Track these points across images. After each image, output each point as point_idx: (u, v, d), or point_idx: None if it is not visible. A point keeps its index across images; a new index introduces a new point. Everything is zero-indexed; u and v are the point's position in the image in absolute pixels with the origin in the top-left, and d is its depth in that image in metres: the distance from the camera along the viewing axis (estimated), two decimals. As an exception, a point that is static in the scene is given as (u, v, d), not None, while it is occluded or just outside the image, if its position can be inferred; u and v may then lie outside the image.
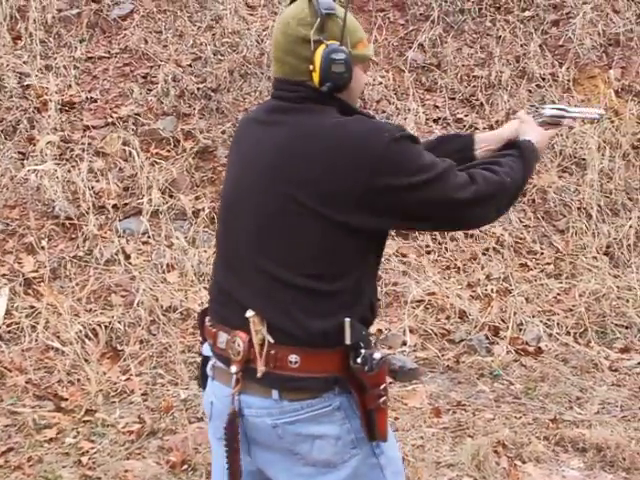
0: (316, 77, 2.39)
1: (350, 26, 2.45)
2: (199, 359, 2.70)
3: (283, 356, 2.36)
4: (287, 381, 2.37)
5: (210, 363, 2.59)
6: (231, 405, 2.42)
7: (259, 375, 2.37)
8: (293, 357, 2.35)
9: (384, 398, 2.41)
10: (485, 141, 2.87)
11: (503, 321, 6.26)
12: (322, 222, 2.32)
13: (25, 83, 7.15)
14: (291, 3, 2.51)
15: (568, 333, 6.29)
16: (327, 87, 2.39)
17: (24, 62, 7.27)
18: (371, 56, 2.57)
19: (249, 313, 2.37)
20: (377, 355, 2.37)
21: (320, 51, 2.38)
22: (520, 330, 6.23)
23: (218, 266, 2.61)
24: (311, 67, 2.40)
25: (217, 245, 2.67)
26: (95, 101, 7.19)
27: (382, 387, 2.40)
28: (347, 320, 2.35)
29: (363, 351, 2.35)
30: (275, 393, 2.39)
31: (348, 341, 2.35)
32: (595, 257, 7.01)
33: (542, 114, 2.96)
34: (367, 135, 2.33)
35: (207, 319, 2.59)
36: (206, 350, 2.62)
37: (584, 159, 7.69)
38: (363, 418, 2.40)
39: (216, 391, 2.54)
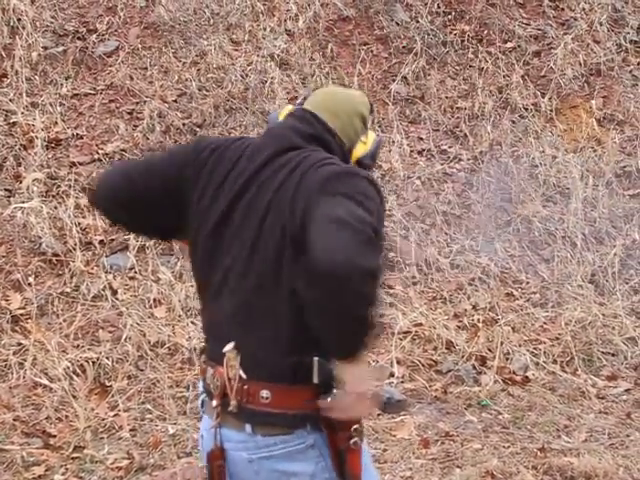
0: (362, 149, 2.73)
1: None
2: (187, 394, 2.75)
3: (255, 391, 2.40)
4: (258, 416, 2.41)
5: (201, 398, 2.64)
6: (213, 439, 2.46)
7: (230, 409, 2.42)
8: (264, 392, 2.40)
9: (355, 439, 2.44)
10: None
11: (490, 351, 6.27)
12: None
13: (11, 120, 7.17)
14: None
15: (555, 362, 6.31)
16: (367, 162, 2.72)
17: (10, 100, 7.29)
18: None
19: (226, 348, 2.41)
20: None
21: (374, 135, 2.79)
22: (507, 359, 6.24)
23: (204, 299, 2.65)
24: (363, 139, 2.73)
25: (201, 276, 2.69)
26: (81, 137, 7.21)
27: (353, 428, 2.43)
28: (315, 359, 2.36)
29: (335, 391, 2.37)
30: (248, 427, 2.43)
31: (315, 380, 2.37)
32: (580, 285, 7.04)
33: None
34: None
35: (202, 357, 2.65)
36: (200, 387, 2.67)
37: (568, 188, 7.75)
38: (334, 458, 2.43)
39: (205, 424, 2.59)
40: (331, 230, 2.18)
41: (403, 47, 8.60)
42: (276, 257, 2.37)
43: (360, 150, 2.70)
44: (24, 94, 7.35)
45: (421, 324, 6.41)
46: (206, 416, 2.59)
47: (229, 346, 2.40)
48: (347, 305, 2.18)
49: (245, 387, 2.40)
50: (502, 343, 6.30)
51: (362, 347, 2.29)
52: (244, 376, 2.40)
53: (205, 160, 2.60)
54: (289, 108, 2.74)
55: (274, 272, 2.38)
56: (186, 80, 7.74)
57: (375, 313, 2.23)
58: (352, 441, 2.43)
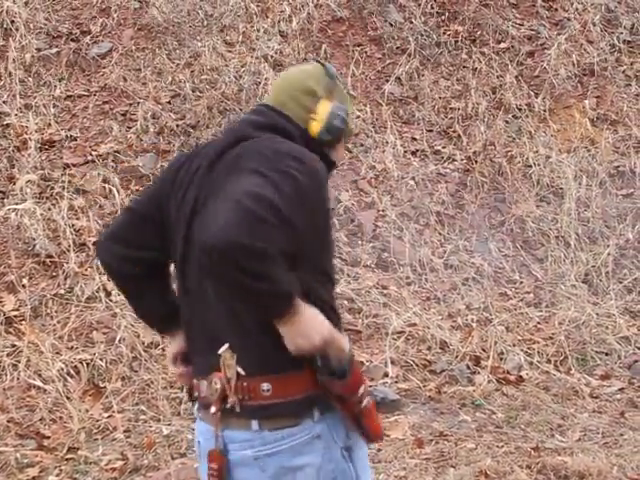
0: (316, 126, 2.59)
1: (344, 98, 2.70)
2: (181, 395, 2.74)
3: (255, 386, 2.40)
4: (263, 409, 2.40)
5: (196, 405, 2.63)
6: (215, 443, 2.45)
7: (229, 406, 2.41)
8: (265, 385, 2.40)
9: (367, 399, 2.46)
10: None
11: (484, 350, 6.28)
12: None
13: (5, 122, 7.17)
14: None
15: (549, 361, 6.33)
16: (325, 138, 2.59)
17: (3, 101, 7.29)
18: (354, 133, 2.79)
19: (221, 349, 2.41)
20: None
21: (326, 105, 2.61)
22: (501, 359, 6.26)
23: (183, 320, 2.64)
24: (312, 116, 2.59)
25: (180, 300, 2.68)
26: (75, 139, 7.21)
27: (360, 391, 2.44)
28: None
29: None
30: (255, 424, 2.42)
31: (319, 363, 2.38)
32: (574, 285, 7.06)
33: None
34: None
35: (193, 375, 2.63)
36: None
37: (561, 188, 7.77)
38: (354, 425, 2.46)
39: (202, 430, 2.57)
40: (221, 209, 2.25)
41: (397, 48, 8.61)
42: None
43: (314, 128, 2.59)
44: (17, 96, 7.35)
45: (415, 324, 6.42)
46: (203, 422, 2.57)
47: (224, 347, 2.40)
48: (236, 278, 2.22)
49: (245, 384, 2.40)
50: (496, 343, 6.32)
51: (276, 307, 2.30)
52: (243, 373, 2.40)
53: (178, 170, 2.62)
54: None
55: None
56: (180, 81, 7.74)
57: (273, 282, 2.23)
58: (364, 403, 2.45)
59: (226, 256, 2.18)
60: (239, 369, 2.40)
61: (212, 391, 2.46)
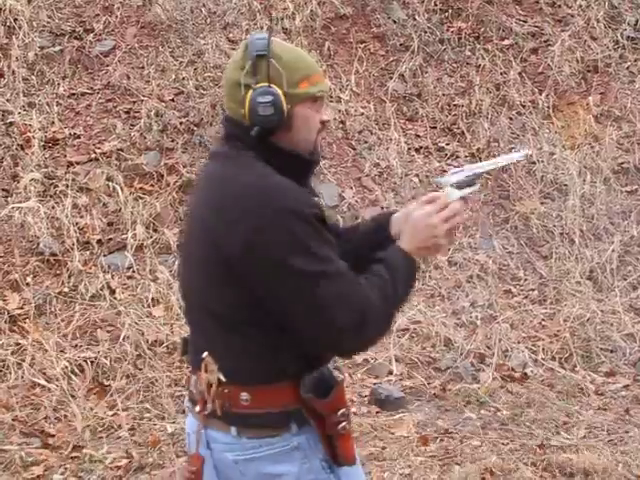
0: (246, 121, 2.40)
1: (290, 64, 2.42)
2: (185, 392, 2.75)
3: (235, 394, 2.40)
4: (242, 418, 2.41)
5: (187, 400, 2.66)
6: (196, 447, 2.47)
7: (207, 412, 2.43)
8: (244, 395, 2.40)
9: (344, 424, 2.43)
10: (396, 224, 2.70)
11: (488, 348, 6.28)
12: None
13: (8, 120, 7.16)
14: None
15: (553, 358, 6.32)
16: (255, 131, 2.39)
17: (7, 100, 7.28)
18: (317, 93, 2.46)
19: (204, 354, 2.42)
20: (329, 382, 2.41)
21: (248, 95, 2.39)
22: (505, 356, 6.25)
23: (183, 309, 2.69)
24: (243, 111, 2.41)
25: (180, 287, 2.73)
26: (78, 137, 7.21)
27: (340, 413, 2.42)
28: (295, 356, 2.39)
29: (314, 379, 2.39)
30: (234, 430, 2.43)
31: (305, 379, 2.38)
32: (579, 282, 7.04)
33: (448, 182, 2.58)
34: (249, 199, 2.31)
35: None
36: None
37: (565, 185, 7.76)
38: (325, 445, 2.43)
39: (190, 424, 2.58)
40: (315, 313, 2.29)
41: (400, 45, 8.60)
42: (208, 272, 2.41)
43: (248, 124, 2.40)
44: (21, 94, 7.34)
45: (419, 322, 6.41)
46: (191, 416, 2.59)
47: (205, 353, 2.42)
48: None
49: (225, 391, 2.41)
50: (500, 340, 6.31)
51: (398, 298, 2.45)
52: (224, 379, 2.40)
53: None
54: None
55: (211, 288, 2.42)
56: (183, 79, 7.73)
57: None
58: (340, 426, 2.42)
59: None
60: (220, 375, 2.40)
61: (197, 391, 2.48)
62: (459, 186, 2.56)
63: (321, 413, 2.39)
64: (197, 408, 2.47)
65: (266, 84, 2.38)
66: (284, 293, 2.30)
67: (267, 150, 2.41)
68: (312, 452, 2.44)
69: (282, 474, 2.43)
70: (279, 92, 2.38)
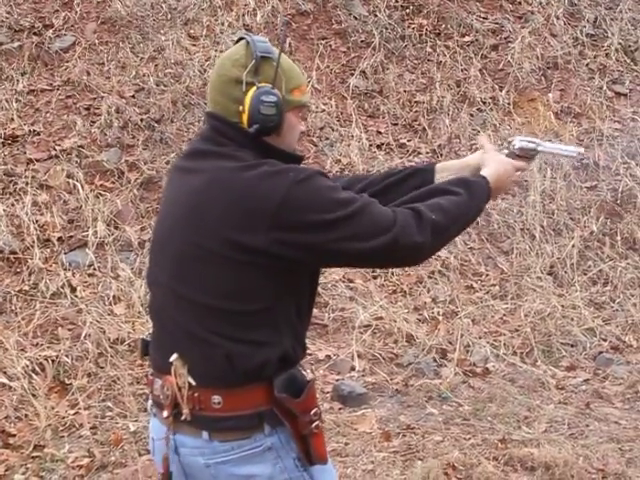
0: (245, 118, 2.41)
1: (287, 71, 2.48)
2: (147, 391, 2.71)
3: (206, 398, 2.39)
4: (214, 421, 2.40)
5: (149, 403, 2.63)
6: (165, 448, 2.45)
7: (183, 418, 2.41)
8: (216, 398, 2.39)
9: (317, 423, 2.44)
10: (446, 169, 2.85)
11: (450, 343, 6.30)
12: (231, 265, 2.35)
13: (-33, 117, 7.11)
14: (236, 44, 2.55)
15: (515, 353, 6.36)
16: (255, 129, 2.40)
17: (-35, 96, 7.23)
18: (307, 103, 2.57)
19: (172, 357, 2.41)
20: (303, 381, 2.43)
21: (250, 92, 2.41)
22: (467, 352, 6.28)
23: (150, 308, 2.66)
24: (241, 108, 2.42)
25: (148, 287, 2.70)
26: (38, 134, 7.15)
27: (313, 412, 2.43)
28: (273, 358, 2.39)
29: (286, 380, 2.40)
30: (205, 434, 2.42)
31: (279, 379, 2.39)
32: (539, 277, 7.09)
33: (512, 146, 2.89)
34: (266, 180, 2.32)
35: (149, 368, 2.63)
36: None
37: (526, 181, 7.80)
38: (299, 444, 2.42)
39: (155, 429, 2.57)
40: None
41: (361, 41, 8.61)
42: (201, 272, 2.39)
43: (245, 121, 2.42)
44: (-20, 90, 7.28)
45: (381, 317, 6.43)
46: (156, 420, 2.57)
47: (174, 356, 2.41)
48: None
49: (196, 395, 2.40)
50: (462, 335, 6.34)
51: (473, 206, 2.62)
52: (194, 383, 2.39)
53: None
54: None
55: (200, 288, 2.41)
56: (144, 75, 7.69)
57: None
58: (313, 425, 2.43)
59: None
60: (190, 379, 2.40)
61: (164, 395, 2.46)
62: (520, 154, 2.86)
63: (294, 413, 2.39)
64: (164, 413, 2.45)
65: (270, 85, 2.42)
66: (341, 245, 2.34)
67: (261, 148, 2.43)
68: (285, 452, 2.43)
69: (255, 475, 2.42)
70: (280, 95, 2.42)
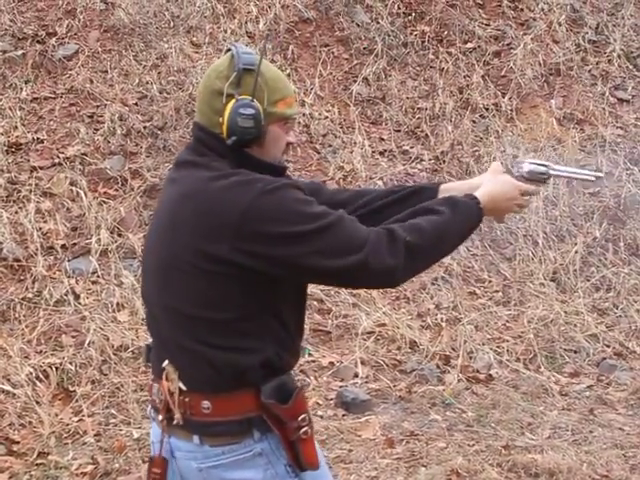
0: (224, 130, 2.43)
1: (271, 83, 2.47)
2: (150, 400, 2.74)
3: (196, 403, 2.43)
4: (204, 427, 2.43)
5: (149, 408, 2.67)
6: (160, 450, 2.50)
7: (175, 422, 2.45)
8: (205, 403, 2.42)
9: (305, 429, 2.45)
10: (451, 190, 2.79)
11: (453, 350, 6.30)
12: (206, 275, 2.36)
13: (-30, 125, 7.12)
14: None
15: (518, 359, 6.36)
16: (232, 141, 2.41)
17: (-31, 104, 7.24)
18: (292, 116, 2.53)
19: (165, 363, 2.45)
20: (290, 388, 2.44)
21: (229, 105, 2.42)
22: (470, 358, 6.28)
23: (146, 317, 2.70)
24: (221, 120, 2.43)
25: (142, 297, 2.75)
26: (42, 142, 7.17)
27: (301, 418, 2.44)
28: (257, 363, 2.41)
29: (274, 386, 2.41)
30: (196, 438, 2.45)
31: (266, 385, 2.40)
32: (542, 283, 7.09)
33: (520, 168, 2.79)
34: (234, 190, 2.33)
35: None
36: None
37: (528, 186, 7.79)
38: (288, 450, 2.44)
39: (155, 433, 2.60)
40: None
41: (364, 48, 8.63)
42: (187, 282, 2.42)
43: (224, 132, 2.44)
44: (-17, 98, 7.30)
45: (384, 324, 6.43)
46: (155, 425, 2.60)
47: (166, 362, 2.45)
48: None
49: (187, 399, 2.43)
50: (465, 342, 6.34)
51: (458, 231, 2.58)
52: (184, 388, 2.43)
53: None
54: None
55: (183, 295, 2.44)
56: (147, 83, 7.71)
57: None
58: (302, 431, 2.44)
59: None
60: (180, 384, 2.43)
61: (159, 399, 2.50)
62: (529, 177, 2.78)
63: (282, 419, 2.41)
64: (160, 417, 2.49)
65: (249, 97, 2.41)
66: (305, 261, 2.32)
67: (240, 158, 2.44)
68: (276, 458, 2.45)
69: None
70: (260, 107, 2.42)
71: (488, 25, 9.09)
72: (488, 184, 2.71)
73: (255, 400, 2.40)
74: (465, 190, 2.73)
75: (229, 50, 2.52)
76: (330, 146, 7.77)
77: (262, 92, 2.44)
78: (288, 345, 2.50)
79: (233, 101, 2.41)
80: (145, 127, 7.37)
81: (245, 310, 2.39)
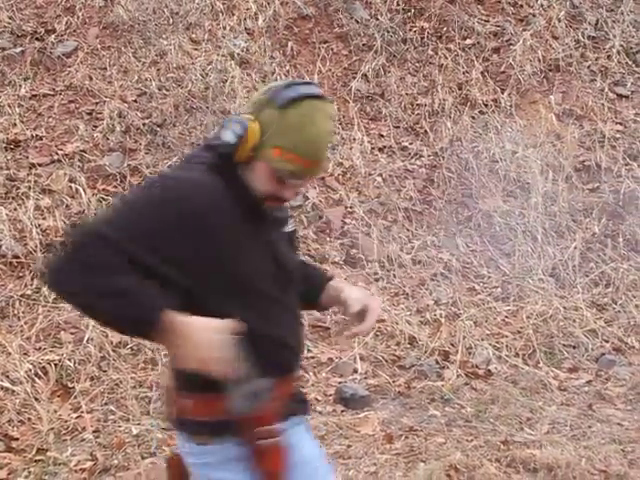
0: None
1: (287, 129, 2.39)
2: (150, 394, 2.82)
3: (183, 401, 2.51)
4: (188, 425, 2.51)
5: None
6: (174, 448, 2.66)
7: (171, 418, 2.58)
8: (188, 402, 2.50)
9: (268, 440, 2.46)
10: (332, 289, 2.83)
11: (452, 345, 6.30)
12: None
13: (-31, 123, 7.12)
14: None
15: (517, 355, 6.36)
16: (220, 148, 2.46)
17: (-32, 102, 7.25)
18: (282, 172, 2.41)
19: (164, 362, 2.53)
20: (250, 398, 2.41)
21: (234, 117, 2.46)
22: (469, 354, 6.28)
23: None
24: None
25: None
26: (40, 139, 7.17)
27: (261, 429, 2.46)
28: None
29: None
30: (185, 435, 2.54)
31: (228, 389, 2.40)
32: (541, 279, 7.10)
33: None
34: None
35: None
36: None
37: (528, 183, 7.81)
38: (253, 456, 2.48)
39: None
40: None
41: (363, 45, 8.63)
42: None
43: None
44: (-18, 96, 7.30)
45: (384, 320, 6.43)
46: None
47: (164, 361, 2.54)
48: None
49: (177, 398, 2.54)
50: (464, 337, 6.34)
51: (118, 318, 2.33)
52: (174, 387, 2.53)
53: None
54: None
55: None
56: (146, 80, 7.71)
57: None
58: (263, 442, 2.46)
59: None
60: (172, 383, 2.54)
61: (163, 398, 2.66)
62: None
63: (245, 426, 2.44)
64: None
65: (252, 118, 2.40)
66: None
67: (226, 165, 2.45)
68: (252, 463, 2.49)
69: None
70: (255, 133, 2.39)
71: (487, 21, 9.09)
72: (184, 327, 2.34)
73: (223, 405, 2.40)
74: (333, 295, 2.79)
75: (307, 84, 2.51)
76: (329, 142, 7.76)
77: (268, 127, 2.39)
78: (257, 354, 2.44)
79: (238, 116, 2.44)
80: (144, 124, 7.37)
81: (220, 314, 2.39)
